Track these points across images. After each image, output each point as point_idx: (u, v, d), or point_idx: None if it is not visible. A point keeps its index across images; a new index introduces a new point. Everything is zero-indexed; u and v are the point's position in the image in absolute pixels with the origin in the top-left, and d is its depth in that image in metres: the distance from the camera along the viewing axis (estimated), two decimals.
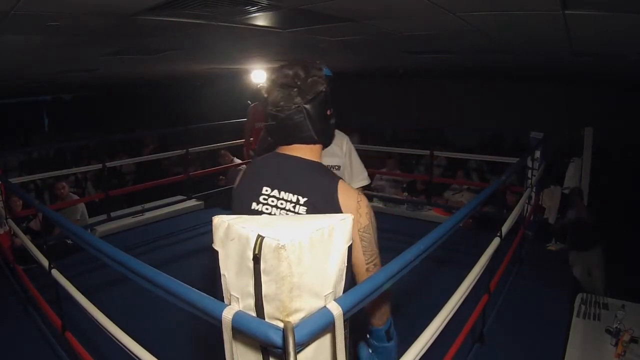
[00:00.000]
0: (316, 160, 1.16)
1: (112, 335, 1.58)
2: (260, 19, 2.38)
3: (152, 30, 2.51)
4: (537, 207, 4.14)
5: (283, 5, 2.05)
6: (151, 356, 1.40)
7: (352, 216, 0.91)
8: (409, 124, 8.25)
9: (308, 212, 1.06)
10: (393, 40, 3.11)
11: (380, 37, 3.00)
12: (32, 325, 2.73)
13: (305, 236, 0.80)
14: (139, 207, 4.82)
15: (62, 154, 7.35)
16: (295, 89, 1.09)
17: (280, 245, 0.77)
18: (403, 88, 8.36)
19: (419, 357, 1.36)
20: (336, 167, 2.07)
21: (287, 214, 1.08)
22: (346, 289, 0.90)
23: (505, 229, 2.38)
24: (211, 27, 2.47)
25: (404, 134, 8.10)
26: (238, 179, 1.22)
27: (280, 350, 0.72)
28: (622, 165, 5.87)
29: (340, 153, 2.09)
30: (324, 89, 1.11)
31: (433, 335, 1.47)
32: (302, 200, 1.07)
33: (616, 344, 2.22)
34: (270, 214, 1.09)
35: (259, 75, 5.74)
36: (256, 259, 0.79)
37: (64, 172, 5.08)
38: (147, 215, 4.75)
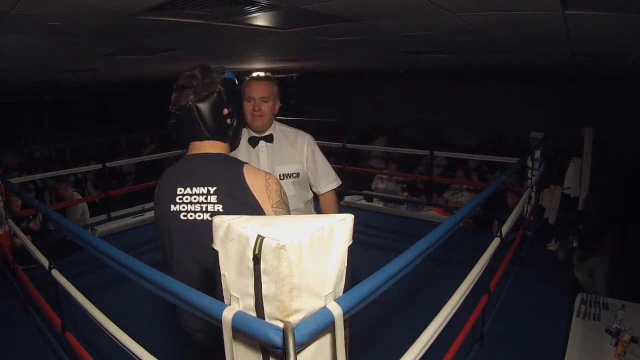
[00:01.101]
0: (220, 152, 1.23)
1: (112, 335, 1.58)
2: (260, 19, 2.38)
3: (153, 30, 2.51)
4: (537, 207, 4.13)
5: (283, 5, 2.05)
6: (151, 356, 1.40)
7: (352, 216, 0.91)
8: (409, 124, 8.26)
9: (219, 199, 1.13)
10: (393, 40, 3.11)
11: (380, 37, 3.00)
12: (32, 325, 2.74)
13: (305, 236, 0.79)
14: (139, 207, 4.82)
15: (62, 154, 7.36)
16: (191, 89, 1.16)
17: (280, 245, 0.76)
18: (403, 88, 8.36)
19: (419, 357, 1.36)
20: (294, 175, 1.87)
21: (200, 206, 1.15)
22: (346, 289, 0.90)
23: (505, 229, 2.38)
24: (211, 27, 2.47)
25: (407, 135, 8.09)
26: (157, 188, 1.28)
27: (280, 350, 0.72)
28: (621, 165, 5.87)
29: (299, 158, 1.90)
30: (218, 90, 1.17)
31: (433, 335, 1.47)
32: (212, 190, 1.14)
33: (616, 344, 2.22)
34: (187, 211, 1.16)
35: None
36: (256, 259, 0.79)
37: (64, 172, 5.08)
38: (147, 215, 4.74)
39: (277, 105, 1.89)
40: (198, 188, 1.15)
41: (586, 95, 6.55)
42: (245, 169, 1.16)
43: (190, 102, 1.16)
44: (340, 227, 0.87)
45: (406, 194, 5.37)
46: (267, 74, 1.94)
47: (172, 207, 1.17)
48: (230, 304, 0.87)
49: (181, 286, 1.01)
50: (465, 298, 1.76)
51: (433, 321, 1.53)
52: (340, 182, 2.04)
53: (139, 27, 2.34)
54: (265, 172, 1.19)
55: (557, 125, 5.92)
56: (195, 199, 1.15)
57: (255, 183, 1.14)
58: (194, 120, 1.16)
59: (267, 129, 1.88)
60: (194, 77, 1.17)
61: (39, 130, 9.24)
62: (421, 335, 1.44)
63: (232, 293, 0.87)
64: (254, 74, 1.86)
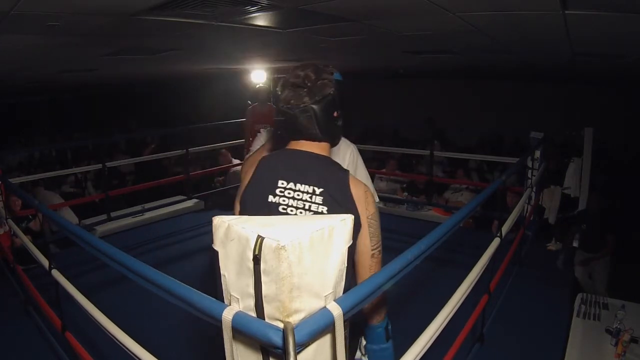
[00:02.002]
0: (325, 155, 1.25)
1: (112, 335, 1.58)
2: (260, 19, 2.39)
3: (152, 30, 2.51)
4: (537, 207, 4.13)
5: (283, 5, 2.05)
6: (151, 356, 1.40)
7: (352, 216, 0.92)
8: (409, 124, 8.26)
9: (324, 201, 1.14)
10: (393, 40, 3.11)
11: (380, 37, 3.00)
12: (32, 325, 2.73)
13: (305, 236, 0.80)
14: (139, 207, 4.82)
15: (64, 154, 7.35)
16: (305, 89, 1.16)
17: (280, 246, 0.77)
18: (403, 88, 8.36)
19: (419, 357, 1.36)
20: None
21: (304, 204, 1.16)
22: (346, 288, 0.90)
23: (505, 229, 2.38)
24: (211, 27, 2.47)
25: (410, 135, 8.08)
26: (248, 174, 1.26)
27: (280, 350, 0.72)
28: (622, 165, 5.88)
29: (342, 164, 1.92)
30: (331, 92, 1.18)
31: (433, 335, 1.47)
32: (318, 191, 1.15)
33: (616, 344, 2.22)
34: (287, 205, 1.17)
35: (259, 75, 5.73)
36: (256, 260, 0.79)
37: (64, 172, 5.09)
38: (147, 215, 4.74)
39: None
40: (303, 186, 1.16)
41: (586, 95, 6.55)
42: (351, 178, 1.20)
43: (305, 104, 1.17)
44: (340, 228, 0.87)
45: (406, 194, 5.38)
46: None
47: (271, 198, 1.18)
48: (230, 304, 0.87)
49: (181, 286, 1.01)
50: (465, 298, 1.76)
51: (433, 321, 1.53)
52: (377, 199, 1.94)
53: (139, 27, 2.34)
54: (364, 184, 1.22)
55: (558, 125, 5.93)
56: (298, 195, 1.16)
57: (357, 193, 1.17)
58: (309, 122, 1.17)
59: None
60: (308, 78, 1.17)
61: (39, 130, 9.23)
62: (421, 335, 1.44)
63: (232, 293, 0.87)
64: None
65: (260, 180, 1.21)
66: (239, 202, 1.25)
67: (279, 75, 6.63)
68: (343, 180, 1.18)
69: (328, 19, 2.34)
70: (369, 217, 1.17)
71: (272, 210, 1.17)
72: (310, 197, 1.15)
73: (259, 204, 1.18)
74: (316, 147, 1.23)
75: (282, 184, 1.18)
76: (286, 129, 1.22)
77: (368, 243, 1.16)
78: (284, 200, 1.17)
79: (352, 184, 1.18)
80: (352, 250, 1.13)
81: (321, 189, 1.15)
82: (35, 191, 4.54)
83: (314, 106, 1.16)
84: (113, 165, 5.07)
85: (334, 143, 1.28)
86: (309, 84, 1.17)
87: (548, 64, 4.60)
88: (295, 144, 1.23)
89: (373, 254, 1.17)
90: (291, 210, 1.16)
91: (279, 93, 1.20)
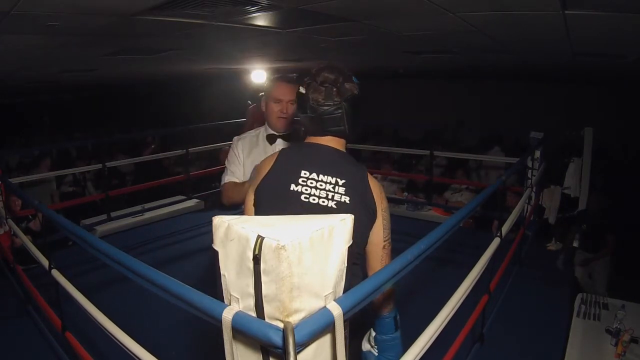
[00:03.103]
0: (344, 150, 1.34)
1: (112, 335, 1.58)
2: (260, 19, 2.39)
3: (152, 30, 2.51)
4: (537, 207, 4.13)
5: (283, 5, 2.05)
6: (151, 356, 1.40)
7: (352, 216, 0.92)
8: (408, 124, 8.25)
9: (347, 192, 1.22)
10: (393, 40, 3.11)
11: (380, 37, 3.00)
12: (32, 325, 2.73)
13: (305, 236, 0.80)
14: (139, 207, 4.82)
15: (67, 154, 7.34)
16: (335, 89, 1.25)
17: (280, 246, 0.77)
18: (403, 88, 8.36)
19: (419, 357, 1.36)
20: None
21: (327, 194, 1.23)
22: (346, 288, 0.90)
23: (505, 229, 2.38)
24: (211, 27, 2.47)
25: (411, 135, 8.08)
26: (267, 165, 1.30)
27: (280, 350, 0.72)
28: (621, 165, 5.87)
29: None
30: (356, 92, 1.28)
31: (433, 335, 1.47)
32: (340, 182, 1.23)
33: (616, 344, 2.22)
34: (309, 194, 1.23)
35: (259, 75, 5.74)
36: (256, 260, 0.79)
37: (64, 172, 5.08)
38: (147, 215, 4.73)
39: None
40: (326, 177, 1.24)
41: (586, 95, 6.55)
42: (367, 173, 1.29)
43: (337, 102, 1.24)
44: (340, 227, 0.87)
45: (406, 194, 5.37)
46: (293, 75, 1.96)
47: (293, 187, 1.24)
48: (230, 304, 0.87)
49: (181, 286, 1.01)
50: (465, 298, 1.76)
51: (433, 321, 1.53)
52: None
53: (139, 27, 2.34)
54: (377, 180, 1.32)
55: (558, 125, 5.92)
56: (321, 185, 1.23)
57: (374, 186, 1.26)
58: (339, 118, 1.25)
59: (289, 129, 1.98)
60: (337, 79, 1.25)
61: (40, 130, 9.22)
62: (421, 335, 1.44)
63: (232, 293, 0.87)
64: (280, 74, 1.92)
65: (281, 170, 1.27)
66: (253, 191, 1.29)
67: (278, 76, 6.62)
68: (362, 174, 1.27)
69: (328, 19, 2.34)
70: (383, 210, 1.26)
71: (294, 198, 1.22)
72: (334, 188, 1.22)
73: (280, 193, 1.24)
74: (336, 143, 1.30)
75: (305, 174, 1.24)
76: (313, 125, 1.28)
77: (381, 234, 1.25)
78: (306, 190, 1.22)
79: (369, 178, 1.27)
80: (364, 242, 1.22)
81: (344, 180, 1.23)
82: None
83: (345, 104, 1.24)
84: (113, 165, 5.07)
85: (351, 140, 1.36)
86: (338, 85, 1.25)
87: (548, 64, 4.60)
88: (315, 139, 1.30)
89: (384, 245, 1.26)
90: (313, 199, 1.21)
91: (305, 92, 1.27)
